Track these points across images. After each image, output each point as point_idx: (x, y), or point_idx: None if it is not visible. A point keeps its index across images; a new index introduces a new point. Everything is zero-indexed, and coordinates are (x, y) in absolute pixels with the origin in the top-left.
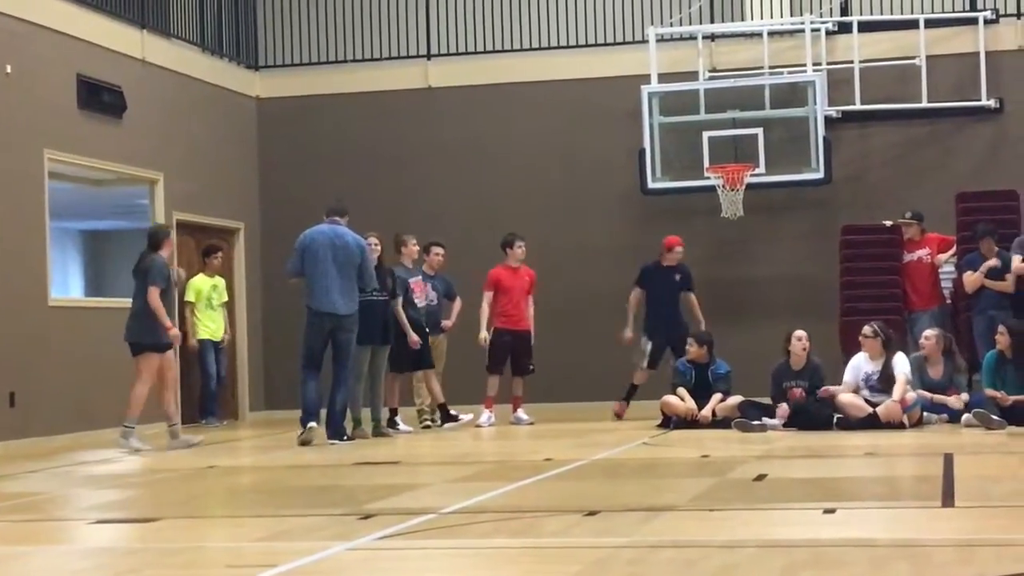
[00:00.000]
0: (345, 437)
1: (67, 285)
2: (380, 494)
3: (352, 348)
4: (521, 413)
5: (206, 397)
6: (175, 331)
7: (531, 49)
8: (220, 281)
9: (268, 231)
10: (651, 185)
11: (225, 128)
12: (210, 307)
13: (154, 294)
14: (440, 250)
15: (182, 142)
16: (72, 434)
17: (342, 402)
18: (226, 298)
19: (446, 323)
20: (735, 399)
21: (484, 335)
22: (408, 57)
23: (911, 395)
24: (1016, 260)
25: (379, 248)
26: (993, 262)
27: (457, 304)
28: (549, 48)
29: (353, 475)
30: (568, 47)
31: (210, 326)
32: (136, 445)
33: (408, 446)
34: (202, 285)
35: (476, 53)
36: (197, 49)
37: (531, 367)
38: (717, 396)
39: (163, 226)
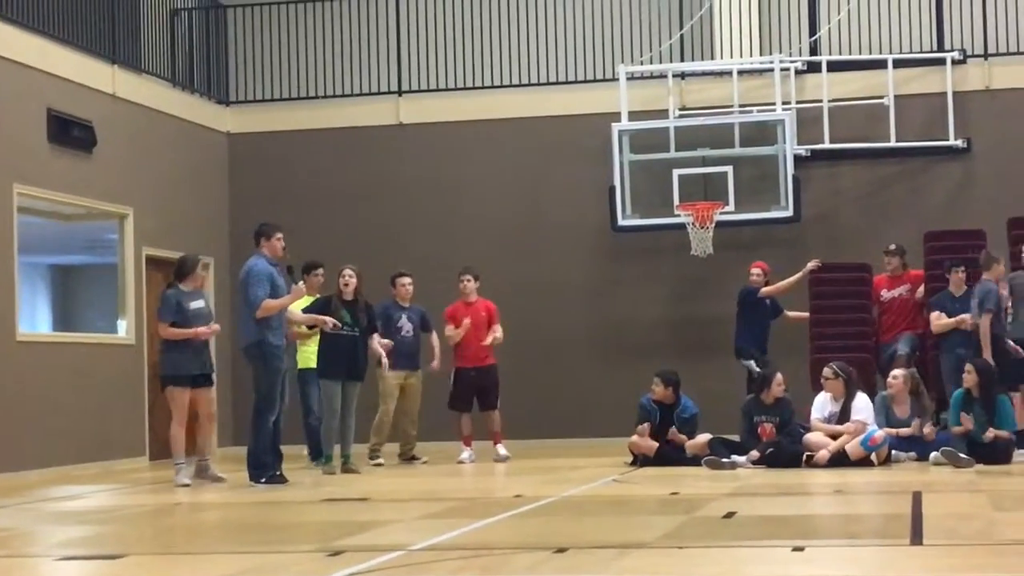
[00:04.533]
0: (263, 480)
1: (35, 320)
2: (349, 531)
3: None
4: (501, 448)
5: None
6: (203, 330)
7: (502, 86)
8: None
9: (238, 266)
10: (621, 222)
11: (195, 163)
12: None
13: (163, 329)
14: (407, 280)
15: (152, 177)
16: (40, 470)
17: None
18: None
19: (434, 364)
20: (704, 436)
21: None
22: (379, 93)
23: (880, 433)
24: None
25: (355, 281)
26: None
27: (435, 338)
28: (520, 85)
29: (321, 512)
30: (539, 84)
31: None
32: (182, 480)
33: (376, 482)
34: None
35: (448, 90)
36: (168, 84)
37: (496, 403)
38: (683, 437)
39: (189, 256)
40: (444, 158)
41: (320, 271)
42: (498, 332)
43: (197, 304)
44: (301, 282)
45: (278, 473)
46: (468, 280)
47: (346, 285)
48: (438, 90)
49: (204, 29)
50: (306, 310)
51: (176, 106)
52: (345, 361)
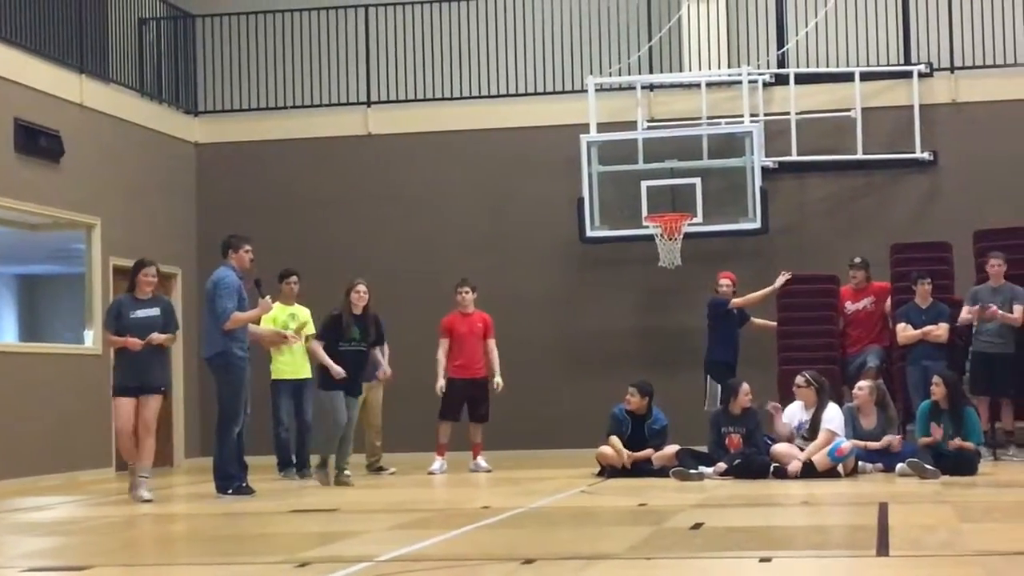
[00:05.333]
0: (229, 492)
1: (1, 330)
2: (316, 542)
3: None
4: (481, 460)
5: (278, 446)
6: (133, 340)
7: (471, 97)
8: (301, 311)
9: (205, 277)
10: (589, 234)
11: (163, 173)
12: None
13: (106, 338)
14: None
15: (120, 187)
16: (5, 481)
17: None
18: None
19: (380, 373)
20: (672, 448)
21: (441, 384)
22: (348, 104)
23: (847, 444)
24: (965, 311)
25: (367, 296)
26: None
27: (386, 350)
28: (489, 97)
29: (289, 523)
30: (508, 96)
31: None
32: (141, 495)
33: (344, 494)
34: (279, 315)
35: (417, 101)
36: (136, 94)
37: (486, 416)
38: (648, 451)
39: (139, 261)
40: (413, 169)
41: (294, 279)
42: (494, 355)
43: (145, 312)
44: (268, 296)
45: (244, 484)
46: (467, 292)
47: (359, 299)
48: (407, 101)
49: (172, 39)
50: (323, 326)
51: (144, 116)
52: (349, 375)
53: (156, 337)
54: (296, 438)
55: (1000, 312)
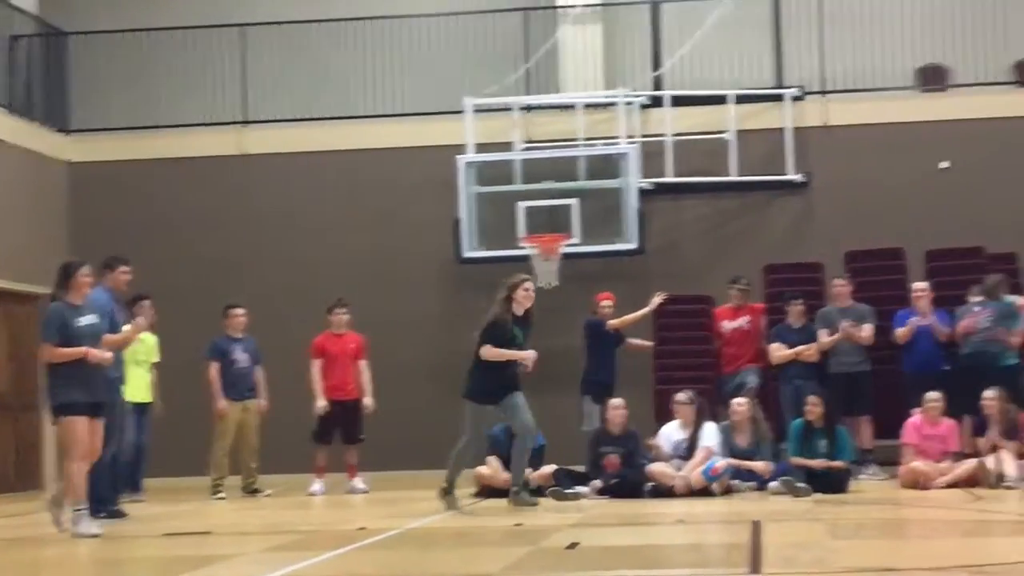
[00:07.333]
0: (101, 515)
1: None
2: (188, 565)
3: None
4: (357, 482)
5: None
6: (95, 351)
7: (348, 117)
8: (148, 337)
9: None
10: (466, 254)
11: (34, 193)
12: (135, 364)
13: (47, 350)
14: (240, 311)
15: None
16: None
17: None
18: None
19: (261, 403)
20: (549, 468)
21: (321, 403)
22: (223, 123)
23: (722, 463)
24: (823, 334)
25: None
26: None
27: (261, 373)
28: (366, 117)
29: (161, 546)
30: (385, 116)
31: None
32: (87, 530)
33: (219, 515)
34: None
35: (293, 121)
36: (4, 111)
37: (361, 437)
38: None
39: (73, 261)
40: (289, 189)
41: (147, 303)
42: (366, 376)
43: (87, 320)
44: (141, 318)
45: (116, 508)
46: (341, 312)
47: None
48: (283, 121)
49: (44, 56)
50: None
51: (14, 134)
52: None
53: (107, 355)
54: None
55: (852, 331)
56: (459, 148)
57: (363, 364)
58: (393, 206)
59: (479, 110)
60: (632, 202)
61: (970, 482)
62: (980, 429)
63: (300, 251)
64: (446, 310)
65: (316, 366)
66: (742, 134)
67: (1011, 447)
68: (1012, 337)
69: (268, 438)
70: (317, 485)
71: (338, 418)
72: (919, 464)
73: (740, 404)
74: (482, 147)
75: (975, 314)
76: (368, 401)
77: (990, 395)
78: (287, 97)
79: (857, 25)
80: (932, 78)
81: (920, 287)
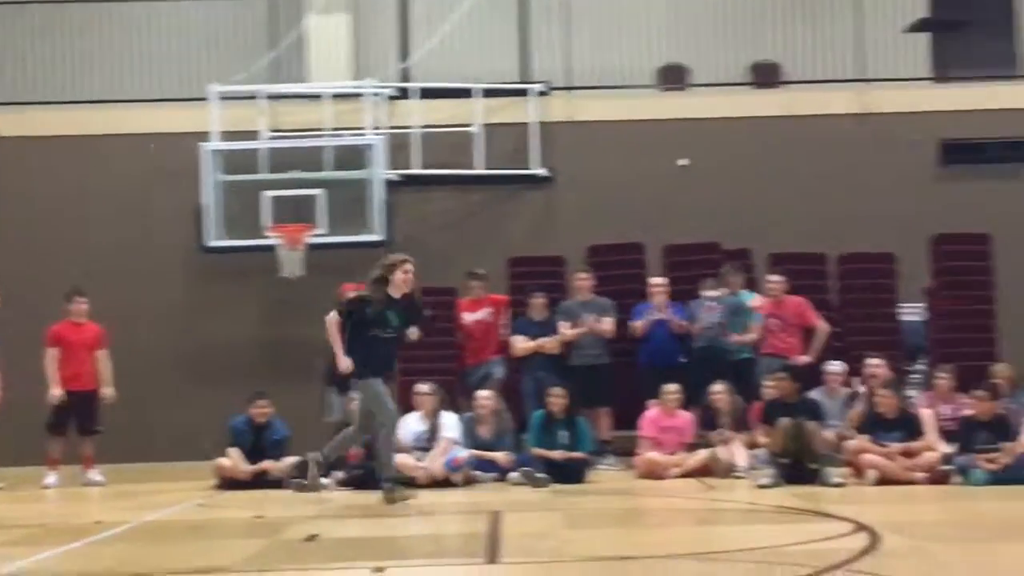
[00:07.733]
0: None
1: None
2: None
3: None
4: (94, 474)
5: None
6: None
7: (93, 102)
8: None
9: None
10: (210, 243)
11: None
12: None
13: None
14: None
15: None
16: None
17: None
18: None
19: None
20: (291, 459)
21: (57, 393)
22: None
23: (463, 454)
24: (564, 327)
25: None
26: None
27: None
28: (110, 102)
29: None
30: (126, 101)
31: None
32: None
33: None
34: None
35: (38, 104)
36: None
37: (97, 428)
38: (268, 463)
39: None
40: (30, 173)
41: None
42: (105, 366)
43: None
44: None
45: None
46: (81, 302)
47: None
48: (23, 104)
49: None
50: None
51: None
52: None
53: None
54: None
55: (594, 325)
56: (204, 136)
57: (102, 354)
58: (135, 194)
59: (225, 97)
60: (379, 193)
61: (703, 472)
62: (710, 421)
63: (39, 238)
64: (189, 299)
65: (52, 355)
66: (488, 127)
67: (741, 438)
68: (741, 336)
69: None
70: (52, 477)
71: (74, 408)
72: (654, 455)
73: (486, 397)
74: (228, 135)
75: (709, 308)
76: (108, 391)
77: (718, 389)
78: (28, 79)
79: (602, 23)
80: (673, 77)
81: (656, 282)
